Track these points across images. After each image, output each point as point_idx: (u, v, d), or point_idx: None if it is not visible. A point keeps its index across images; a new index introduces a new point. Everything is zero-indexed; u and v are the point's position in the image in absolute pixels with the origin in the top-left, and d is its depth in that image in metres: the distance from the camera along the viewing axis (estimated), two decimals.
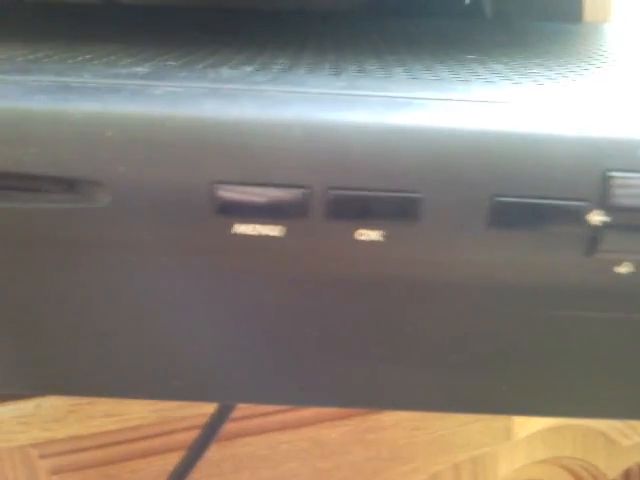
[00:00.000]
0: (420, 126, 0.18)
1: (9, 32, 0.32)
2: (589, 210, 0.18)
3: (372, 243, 0.19)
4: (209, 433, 0.33)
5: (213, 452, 0.37)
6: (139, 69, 0.21)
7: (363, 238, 0.18)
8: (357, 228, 0.18)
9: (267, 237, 0.19)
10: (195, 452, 0.33)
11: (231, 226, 0.18)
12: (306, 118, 0.18)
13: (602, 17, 0.51)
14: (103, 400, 0.34)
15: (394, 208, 0.18)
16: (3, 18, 0.39)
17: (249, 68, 0.23)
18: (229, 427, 0.36)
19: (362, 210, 0.18)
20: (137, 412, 0.34)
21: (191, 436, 0.37)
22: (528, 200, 0.18)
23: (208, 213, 0.18)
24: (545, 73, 0.23)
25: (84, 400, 0.34)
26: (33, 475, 0.39)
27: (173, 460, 0.38)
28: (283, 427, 0.38)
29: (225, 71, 0.22)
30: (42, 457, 0.38)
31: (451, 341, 0.22)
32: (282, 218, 0.18)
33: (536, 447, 0.45)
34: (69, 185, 0.19)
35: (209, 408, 0.34)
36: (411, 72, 0.23)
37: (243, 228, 0.18)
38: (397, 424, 0.39)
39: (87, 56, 0.24)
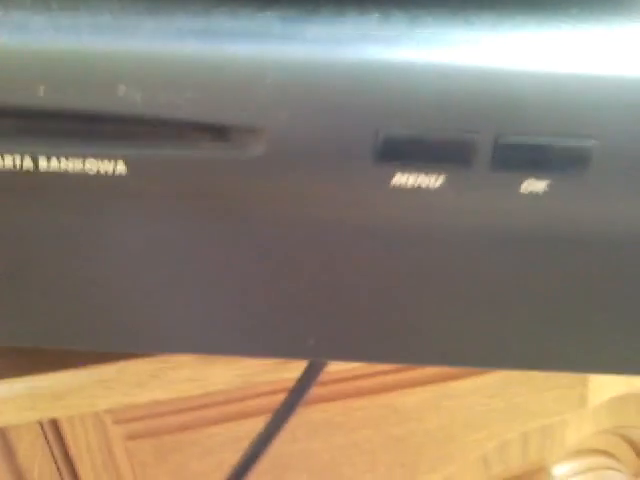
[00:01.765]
0: (594, 72, 0.17)
1: None
2: None
3: (537, 194, 0.18)
4: (296, 397, 0.32)
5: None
6: (270, 13, 0.20)
7: (529, 188, 0.18)
8: (524, 178, 0.18)
9: (427, 188, 0.18)
10: (281, 417, 0.32)
11: (392, 176, 0.18)
12: (473, 61, 0.17)
13: None
14: (187, 364, 0.34)
15: (565, 156, 0.17)
16: None
17: (376, 14, 0.22)
18: None
19: (530, 158, 0.17)
20: (220, 376, 0.34)
21: (272, 401, 0.36)
22: None
23: (369, 162, 0.18)
24: None
25: (167, 365, 0.34)
26: (106, 441, 0.39)
27: (251, 425, 0.37)
28: (359, 393, 0.38)
29: (359, 17, 0.21)
30: (117, 423, 0.38)
31: (582, 295, 0.21)
32: (446, 167, 0.18)
33: (602, 416, 0.45)
34: (222, 133, 0.18)
35: (291, 373, 0.34)
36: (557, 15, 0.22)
37: (404, 178, 0.18)
38: (474, 391, 0.39)
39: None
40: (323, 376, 0.38)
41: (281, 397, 0.36)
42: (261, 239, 0.20)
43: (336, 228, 0.19)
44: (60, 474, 0.40)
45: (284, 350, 0.24)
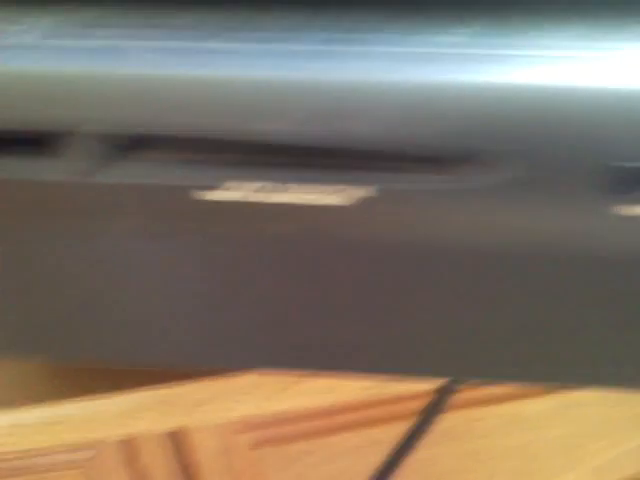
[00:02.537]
0: None
1: None
2: None
3: None
4: (433, 409, 0.32)
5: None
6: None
7: None
8: None
9: None
10: (419, 427, 0.33)
11: (623, 208, 0.17)
12: None
13: None
14: (317, 376, 0.34)
15: None
16: None
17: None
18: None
19: None
20: (351, 387, 0.34)
21: (393, 410, 0.37)
22: None
23: (598, 193, 0.17)
24: None
25: (298, 376, 0.34)
26: (228, 449, 0.39)
27: (373, 434, 0.38)
28: (485, 402, 0.38)
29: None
30: (240, 431, 0.38)
31: None
32: None
33: None
34: (438, 164, 0.18)
35: (424, 386, 0.34)
36: None
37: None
38: (599, 400, 0.39)
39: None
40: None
41: (404, 406, 0.37)
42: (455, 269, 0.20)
43: (557, 259, 0.19)
44: None
45: (428, 370, 0.24)
